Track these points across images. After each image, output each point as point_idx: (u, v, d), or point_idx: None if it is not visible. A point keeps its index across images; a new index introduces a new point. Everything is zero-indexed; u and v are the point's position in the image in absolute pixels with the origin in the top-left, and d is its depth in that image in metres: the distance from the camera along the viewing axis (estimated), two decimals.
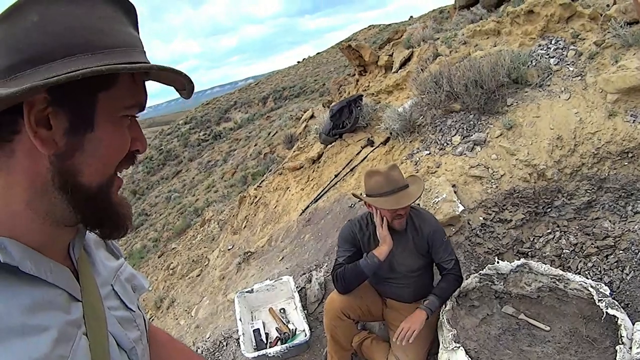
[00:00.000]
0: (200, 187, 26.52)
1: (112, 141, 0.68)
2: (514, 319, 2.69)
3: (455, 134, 3.99)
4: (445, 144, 4.00)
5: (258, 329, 3.30)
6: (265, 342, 3.23)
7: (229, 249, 6.20)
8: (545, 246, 3.28)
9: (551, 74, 3.97)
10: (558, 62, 4.05)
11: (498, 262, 2.73)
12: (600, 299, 2.33)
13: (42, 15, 0.61)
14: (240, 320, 3.26)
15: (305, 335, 3.00)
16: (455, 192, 3.45)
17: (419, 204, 3.50)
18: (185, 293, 6.06)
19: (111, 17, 0.66)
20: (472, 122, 3.98)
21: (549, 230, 3.35)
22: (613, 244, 3.11)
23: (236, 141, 34.20)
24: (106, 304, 0.80)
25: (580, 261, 3.11)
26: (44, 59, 0.60)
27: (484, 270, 2.73)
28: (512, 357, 2.43)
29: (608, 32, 3.90)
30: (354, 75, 8.68)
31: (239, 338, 3.14)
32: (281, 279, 3.60)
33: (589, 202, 3.35)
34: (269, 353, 2.93)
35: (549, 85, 3.87)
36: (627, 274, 2.95)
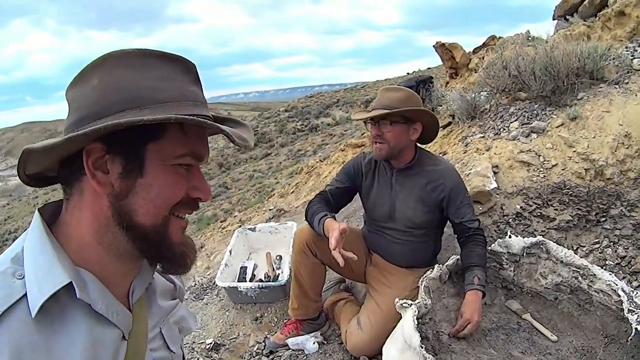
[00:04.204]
0: (284, 172, 26.98)
1: (162, 187, 0.74)
2: (517, 317, 2.21)
3: (515, 121, 3.52)
4: (501, 130, 3.55)
5: (245, 267, 3.10)
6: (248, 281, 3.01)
7: (270, 209, 6.11)
8: (587, 256, 2.73)
9: (631, 72, 3.43)
10: None
11: (510, 237, 2.26)
12: (632, 309, 1.74)
13: (101, 79, 0.70)
14: (230, 252, 3.08)
15: (282, 280, 2.74)
16: (494, 173, 3.00)
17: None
18: (216, 241, 6.05)
19: (167, 76, 0.73)
20: (535, 112, 3.49)
21: (597, 240, 2.79)
22: None
23: (330, 136, 34.37)
24: (150, 345, 0.87)
25: (624, 277, 2.53)
26: (99, 115, 0.68)
27: (492, 246, 2.27)
28: (495, 359, 1.97)
29: None
30: (445, 77, 8.32)
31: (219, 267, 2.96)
32: (286, 223, 3.38)
33: None
34: (240, 287, 2.71)
35: (626, 83, 3.31)
36: None
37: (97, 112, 0.68)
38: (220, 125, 0.72)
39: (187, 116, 0.68)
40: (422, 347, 1.60)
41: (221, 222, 12.36)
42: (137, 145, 0.71)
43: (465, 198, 2.21)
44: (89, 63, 0.71)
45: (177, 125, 0.73)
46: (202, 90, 0.78)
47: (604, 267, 2.62)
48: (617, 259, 2.63)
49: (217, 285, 3.14)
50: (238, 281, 2.95)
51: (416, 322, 1.72)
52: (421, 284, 2.02)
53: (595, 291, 1.98)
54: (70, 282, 0.68)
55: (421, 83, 5.20)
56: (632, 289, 1.88)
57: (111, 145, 0.70)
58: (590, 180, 2.88)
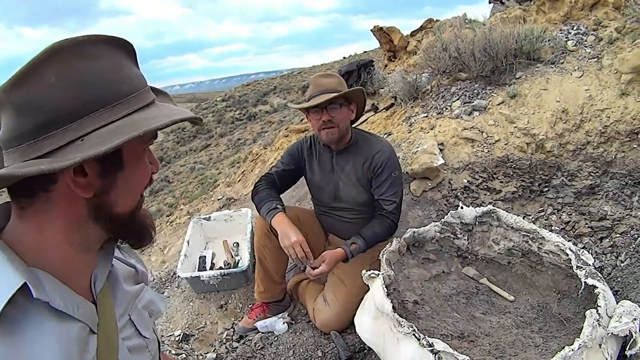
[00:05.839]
0: (225, 162, 26.53)
1: (139, 174, 0.78)
2: (474, 282, 2.35)
3: (457, 100, 3.69)
4: (444, 109, 3.71)
5: (204, 257, 3.07)
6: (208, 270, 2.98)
7: (218, 199, 6.03)
8: (534, 223, 2.92)
9: (566, 53, 3.65)
10: (576, 44, 3.74)
11: (462, 208, 2.39)
12: (579, 265, 1.91)
13: (58, 76, 0.65)
14: (188, 242, 3.03)
15: (243, 266, 2.74)
16: (440, 150, 3.13)
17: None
18: (167, 235, 5.91)
19: (119, 64, 0.72)
20: (476, 91, 3.68)
21: (541, 209, 3.00)
22: (610, 226, 2.74)
23: (269, 124, 34.07)
24: (122, 334, 0.86)
25: (569, 240, 2.74)
26: (72, 117, 0.65)
27: (446, 218, 2.40)
28: (459, 321, 2.08)
29: (629, 17, 3.58)
30: (383, 60, 8.45)
31: (179, 258, 2.91)
32: (241, 210, 3.37)
33: (592, 186, 2.99)
34: (202, 276, 2.69)
35: (562, 63, 3.53)
36: (622, 261, 2.55)
37: (69, 115, 0.65)
38: (194, 117, 0.76)
39: (179, 118, 0.72)
40: (394, 312, 1.68)
41: (167, 216, 12.04)
42: None
43: (390, 177, 2.23)
44: (32, 58, 0.65)
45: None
46: (139, 69, 0.79)
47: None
48: (561, 224, 2.85)
49: (176, 277, 3.09)
50: (198, 271, 2.92)
51: (385, 290, 1.80)
52: (382, 257, 2.11)
53: (545, 252, 2.14)
54: (25, 283, 0.66)
55: (362, 67, 5.29)
56: (579, 249, 2.05)
57: None
58: (532, 154, 3.08)
